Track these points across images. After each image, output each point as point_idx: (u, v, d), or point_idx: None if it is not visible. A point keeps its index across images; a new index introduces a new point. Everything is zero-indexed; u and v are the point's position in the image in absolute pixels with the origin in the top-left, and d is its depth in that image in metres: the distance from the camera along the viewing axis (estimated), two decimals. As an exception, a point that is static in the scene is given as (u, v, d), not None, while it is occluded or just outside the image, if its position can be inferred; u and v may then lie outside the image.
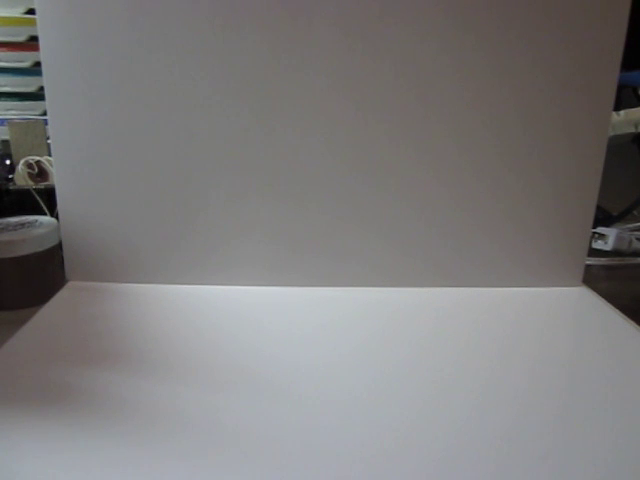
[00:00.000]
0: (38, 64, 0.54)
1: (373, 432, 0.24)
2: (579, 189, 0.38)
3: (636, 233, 0.55)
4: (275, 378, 0.28)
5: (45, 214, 0.44)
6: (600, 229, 0.54)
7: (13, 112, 0.57)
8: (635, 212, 0.57)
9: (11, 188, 0.48)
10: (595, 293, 0.39)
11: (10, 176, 0.49)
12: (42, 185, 0.47)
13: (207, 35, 0.35)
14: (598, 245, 0.54)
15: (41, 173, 0.48)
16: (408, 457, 0.22)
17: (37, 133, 0.50)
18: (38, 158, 0.48)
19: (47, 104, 0.37)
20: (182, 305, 0.36)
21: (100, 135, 0.37)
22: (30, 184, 0.47)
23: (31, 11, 0.55)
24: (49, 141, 0.41)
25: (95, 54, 0.36)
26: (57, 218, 0.40)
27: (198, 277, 0.39)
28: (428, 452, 0.23)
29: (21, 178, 0.48)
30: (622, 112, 0.59)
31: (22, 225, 0.39)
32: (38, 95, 0.57)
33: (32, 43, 0.56)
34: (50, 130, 0.37)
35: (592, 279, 0.43)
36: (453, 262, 0.39)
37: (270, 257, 0.39)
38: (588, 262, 0.45)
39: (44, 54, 0.36)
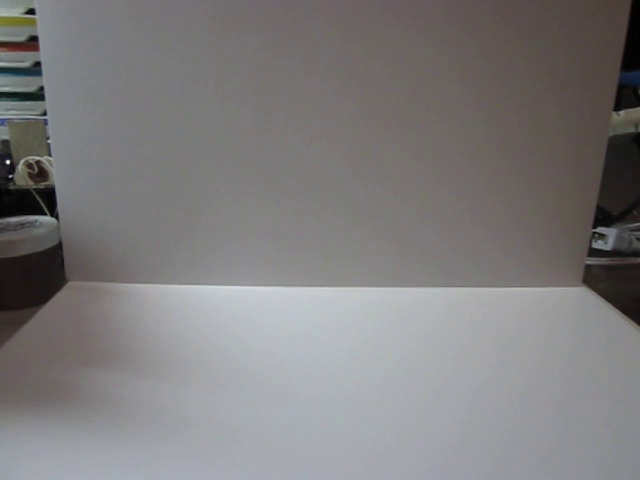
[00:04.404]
0: (38, 64, 0.54)
1: (373, 431, 0.24)
2: (579, 189, 0.38)
3: (636, 233, 0.55)
4: (275, 377, 0.28)
5: (45, 214, 0.44)
6: (600, 229, 0.54)
7: (13, 112, 0.57)
8: (635, 212, 0.57)
9: (11, 188, 0.48)
10: (595, 293, 0.39)
11: (10, 176, 0.49)
12: (42, 185, 0.47)
13: (207, 35, 0.35)
14: (598, 245, 0.54)
15: (41, 173, 0.48)
16: (408, 456, 0.22)
17: (37, 133, 0.50)
18: (38, 158, 0.48)
19: (47, 104, 0.37)
20: (182, 305, 0.36)
21: (100, 135, 0.37)
22: (30, 184, 0.47)
23: (31, 11, 0.55)
24: (49, 141, 0.41)
25: (95, 54, 0.36)
26: (57, 218, 0.40)
27: (198, 277, 0.39)
28: (428, 451, 0.23)
29: (21, 178, 0.48)
30: (622, 112, 0.59)
31: (22, 225, 0.39)
32: (38, 95, 0.57)
33: (32, 43, 0.56)
34: (50, 130, 0.37)
35: (592, 279, 0.43)
36: (453, 262, 0.39)
37: (270, 257, 0.39)
38: (588, 262, 0.45)
39: (44, 54, 0.36)
